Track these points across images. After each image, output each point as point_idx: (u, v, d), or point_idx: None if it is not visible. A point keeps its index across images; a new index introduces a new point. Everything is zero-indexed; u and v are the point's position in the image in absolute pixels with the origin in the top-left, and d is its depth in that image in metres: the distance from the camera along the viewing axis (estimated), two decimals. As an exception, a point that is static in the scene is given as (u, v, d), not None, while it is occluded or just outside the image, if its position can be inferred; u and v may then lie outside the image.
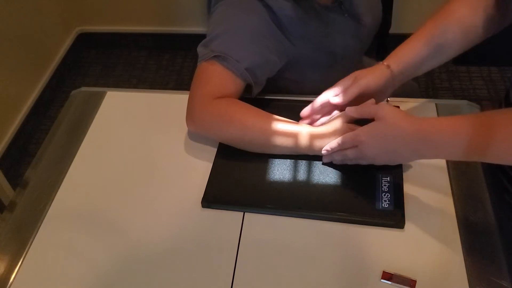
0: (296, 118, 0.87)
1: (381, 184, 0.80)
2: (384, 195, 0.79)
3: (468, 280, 0.69)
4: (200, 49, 0.87)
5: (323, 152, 0.81)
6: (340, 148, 0.79)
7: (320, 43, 0.92)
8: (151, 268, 0.74)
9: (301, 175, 0.83)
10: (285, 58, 0.92)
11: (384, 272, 0.70)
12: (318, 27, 0.92)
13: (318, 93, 0.98)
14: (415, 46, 0.84)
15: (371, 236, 0.75)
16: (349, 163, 0.81)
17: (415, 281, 0.69)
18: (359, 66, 1.13)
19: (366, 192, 0.79)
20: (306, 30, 0.89)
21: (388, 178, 0.81)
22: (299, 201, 0.79)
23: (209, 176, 0.84)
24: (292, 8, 0.86)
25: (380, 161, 0.79)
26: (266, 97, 0.97)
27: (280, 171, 0.84)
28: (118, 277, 0.74)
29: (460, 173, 0.83)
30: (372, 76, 0.83)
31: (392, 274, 0.70)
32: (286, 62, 0.93)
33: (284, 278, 0.71)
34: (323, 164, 0.84)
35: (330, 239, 0.75)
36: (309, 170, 0.83)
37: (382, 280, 0.70)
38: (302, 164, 0.84)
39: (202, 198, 0.81)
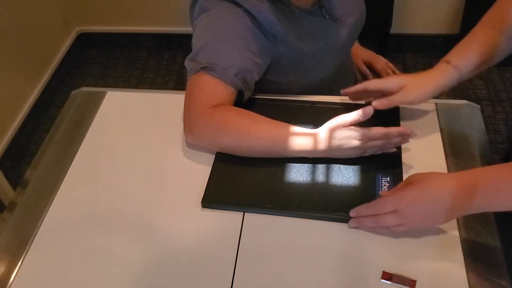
0: (292, 118, 0.87)
1: (381, 184, 0.80)
2: None
3: (468, 280, 0.69)
4: (187, 63, 0.89)
5: (351, 214, 0.75)
6: (374, 213, 0.74)
7: (301, 46, 0.93)
8: (151, 268, 0.74)
9: (301, 175, 0.83)
10: (269, 59, 0.93)
11: (384, 272, 0.70)
12: (298, 31, 0.92)
13: (305, 93, 0.99)
14: (478, 47, 0.83)
15: (371, 236, 0.75)
16: (380, 232, 0.75)
17: (415, 281, 0.69)
18: (346, 63, 1.13)
19: (366, 192, 0.79)
20: (286, 32, 0.90)
21: (388, 178, 0.81)
22: (299, 201, 0.79)
23: (209, 176, 0.84)
24: (270, 10, 0.87)
25: (421, 225, 0.73)
26: (260, 97, 0.98)
27: (280, 171, 0.84)
28: (117, 277, 0.74)
29: (460, 173, 0.83)
30: (422, 92, 0.85)
31: (392, 274, 0.70)
32: (270, 63, 0.93)
33: (284, 278, 0.71)
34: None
35: (330, 239, 0.75)
36: (309, 170, 0.84)
37: (382, 280, 0.70)
38: (302, 164, 0.84)
39: (202, 198, 0.81)
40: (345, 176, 0.82)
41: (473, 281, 0.69)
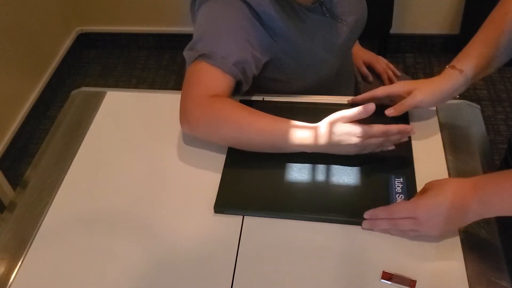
0: (292, 118, 0.87)
1: (394, 185, 0.80)
2: (398, 196, 0.78)
3: (468, 280, 0.69)
4: (186, 53, 0.88)
5: (365, 216, 0.76)
6: (390, 217, 0.74)
7: (300, 42, 0.93)
8: (151, 269, 0.74)
9: (317, 179, 0.82)
10: (268, 54, 0.92)
11: (384, 272, 0.70)
12: (297, 27, 0.92)
13: (305, 92, 0.99)
14: (481, 49, 0.84)
15: (371, 236, 0.75)
16: (393, 233, 0.75)
17: (415, 281, 0.69)
18: (347, 63, 1.13)
19: (380, 194, 0.79)
20: (286, 27, 0.90)
21: (401, 179, 0.80)
22: (313, 206, 0.78)
23: (220, 181, 0.83)
24: (270, 4, 0.87)
25: (436, 232, 0.73)
26: (258, 98, 0.98)
27: (292, 173, 0.83)
28: (117, 277, 0.73)
29: (460, 175, 0.83)
30: (430, 93, 0.85)
31: (392, 274, 0.70)
32: (269, 59, 0.93)
33: (283, 278, 0.71)
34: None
35: (330, 239, 0.75)
36: (324, 173, 0.83)
37: (382, 280, 0.70)
38: (316, 168, 0.84)
39: (215, 203, 0.80)
40: (358, 179, 0.82)
41: (473, 281, 0.69)
